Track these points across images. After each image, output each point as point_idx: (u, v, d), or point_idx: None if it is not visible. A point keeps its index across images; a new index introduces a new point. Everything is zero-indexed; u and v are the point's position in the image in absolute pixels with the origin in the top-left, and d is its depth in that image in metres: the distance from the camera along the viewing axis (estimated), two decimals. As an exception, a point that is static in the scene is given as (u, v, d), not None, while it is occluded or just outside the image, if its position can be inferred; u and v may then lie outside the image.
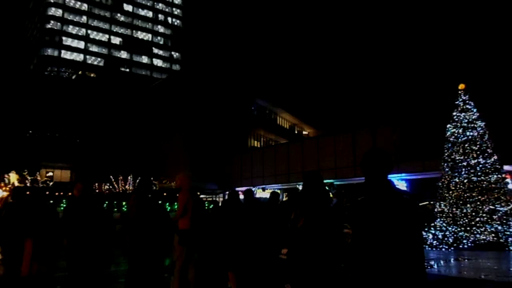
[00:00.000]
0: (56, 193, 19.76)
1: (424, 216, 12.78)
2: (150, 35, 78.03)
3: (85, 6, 71.79)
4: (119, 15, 74.92)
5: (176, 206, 12.86)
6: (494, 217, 11.72)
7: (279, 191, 28.22)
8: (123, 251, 5.45)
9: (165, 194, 22.05)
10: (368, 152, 2.55)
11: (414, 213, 2.32)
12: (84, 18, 71.34)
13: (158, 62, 77.62)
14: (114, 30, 73.99)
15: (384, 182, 2.41)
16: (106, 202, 17.34)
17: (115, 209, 17.83)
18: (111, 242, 5.37)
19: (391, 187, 2.41)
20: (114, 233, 5.89)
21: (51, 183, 31.35)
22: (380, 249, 2.26)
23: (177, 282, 5.85)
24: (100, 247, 5.08)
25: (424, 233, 11.96)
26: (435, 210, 12.96)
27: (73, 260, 5.01)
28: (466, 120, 12.89)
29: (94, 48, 71.21)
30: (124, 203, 17.72)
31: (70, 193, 17.34)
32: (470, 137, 12.69)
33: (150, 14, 78.94)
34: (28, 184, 26.51)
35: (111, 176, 29.80)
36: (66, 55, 68.19)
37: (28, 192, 5.30)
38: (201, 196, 25.04)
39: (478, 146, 12.53)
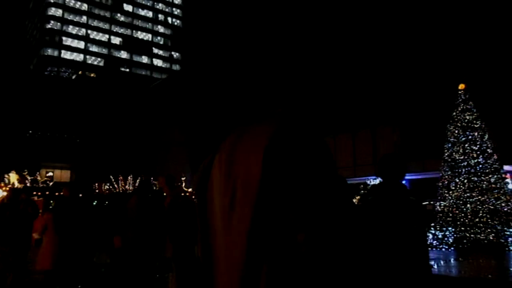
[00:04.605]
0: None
1: (428, 217, 12.78)
2: (150, 35, 78.02)
3: (85, 6, 71.80)
4: (119, 15, 74.92)
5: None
6: (494, 217, 11.71)
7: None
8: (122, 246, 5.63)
9: (164, 194, 21.99)
10: (387, 156, 2.75)
11: (420, 214, 2.55)
12: (84, 18, 71.35)
13: (158, 62, 77.62)
14: (114, 30, 73.98)
15: (398, 185, 2.61)
16: (106, 202, 17.32)
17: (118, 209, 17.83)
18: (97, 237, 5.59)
19: (402, 190, 2.61)
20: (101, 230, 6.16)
21: (51, 183, 31.33)
22: (387, 245, 2.46)
23: (175, 281, 5.85)
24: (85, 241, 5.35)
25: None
26: (435, 210, 12.95)
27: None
28: (466, 120, 12.89)
29: (94, 48, 71.22)
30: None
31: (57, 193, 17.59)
32: (470, 137, 12.68)
33: (150, 14, 78.93)
34: (28, 184, 26.50)
35: (111, 176, 29.78)
36: (66, 55, 68.20)
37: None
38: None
39: (478, 146, 12.53)
